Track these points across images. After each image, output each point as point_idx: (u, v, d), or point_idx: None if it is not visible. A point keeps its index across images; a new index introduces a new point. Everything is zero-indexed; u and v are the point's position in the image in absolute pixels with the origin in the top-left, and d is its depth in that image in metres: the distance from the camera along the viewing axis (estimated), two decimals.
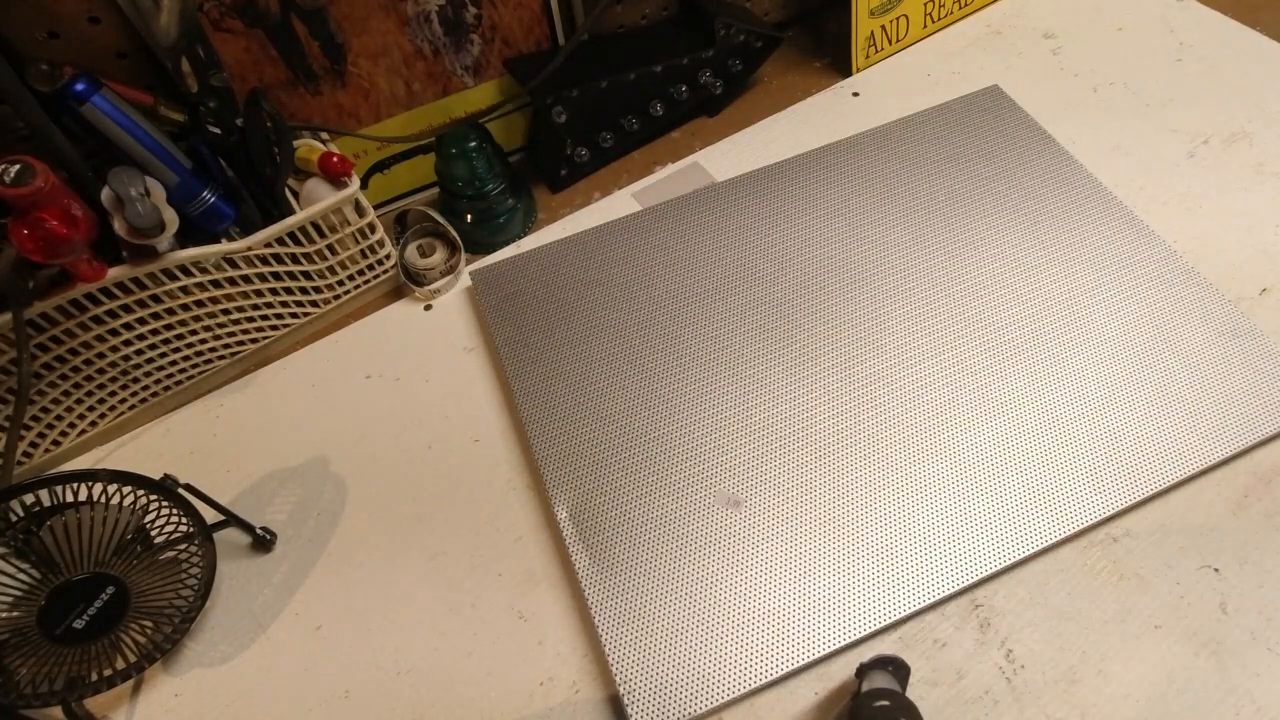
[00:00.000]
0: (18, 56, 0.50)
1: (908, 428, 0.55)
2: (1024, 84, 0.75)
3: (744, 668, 0.47)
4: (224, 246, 0.56)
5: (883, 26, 0.78)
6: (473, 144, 0.65)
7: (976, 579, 0.49)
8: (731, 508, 0.52)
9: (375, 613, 0.52)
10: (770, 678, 0.46)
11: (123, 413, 0.61)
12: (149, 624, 0.47)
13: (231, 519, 0.53)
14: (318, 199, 0.59)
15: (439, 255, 0.68)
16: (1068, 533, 0.50)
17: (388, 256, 0.66)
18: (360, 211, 0.62)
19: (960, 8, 0.83)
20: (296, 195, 0.61)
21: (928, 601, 0.48)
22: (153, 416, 0.63)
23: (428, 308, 0.67)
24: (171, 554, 0.48)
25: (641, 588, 0.50)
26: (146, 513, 0.46)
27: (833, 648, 0.47)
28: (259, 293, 0.60)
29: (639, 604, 0.49)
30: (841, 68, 0.80)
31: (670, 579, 0.50)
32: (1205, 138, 0.70)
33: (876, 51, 0.80)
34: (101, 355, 0.56)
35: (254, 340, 0.63)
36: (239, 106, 0.58)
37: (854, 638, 0.47)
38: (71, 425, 0.59)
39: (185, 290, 0.56)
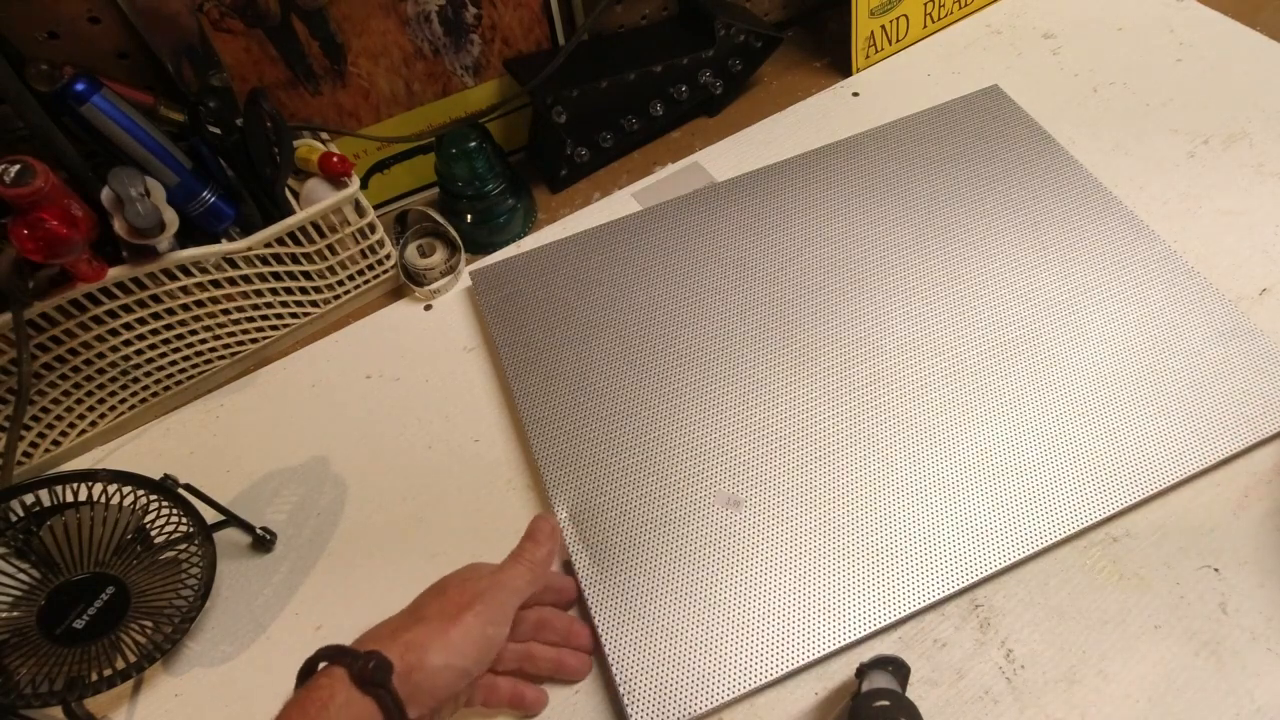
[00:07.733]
0: (18, 56, 0.50)
1: (908, 427, 0.55)
2: (1024, 84, 0.75)
3: (744, 668, 0.47)
4: (224, 246, 0.56)
5: (883, 26, 0.78)
6: (473, 144, 0.65)
7: (976, 579, 0.49)
8: (731, 508, 0.52)
9: (375, 613, 0.52)
10: (770, 678, 0.46)
11: (123, 413, 0.61)
12: (149, 624, 0.47)
13: (231, 519, 0.53)
14: (318, 199, 0.59)
15: (439, 255, 0.68)
16: (1068, 533, 0.50)
17: (388, 256, 0.66)
18: (360, 211, 0.62)
19: (960, 8, 0.83)
20: (296, 195, 0.61)
21: (928, 601, 0.48)
22: (153, 416, 0.63)
23: (428, 308, 0.67)
24: (171, 554, 0.48)
25: (641, 588, 0.50)
26: (146, 513, 0.46)
27: (833, 648, 0.47)
28: (259, 293, 0.60)
29: (639, 604, 0.49)
30: (841, 68, 0.80)
31: (670, 579, 0.50)
32: (1205, 138, 0.70)
33: (876, 51, 0.80)
34: (101, 355, 0.56)
35: (254, 340, 0.63)
36: (239, 106, 0.58)
37: (854, 638, 0.47)
38: (71, 425, 0.59)
39: (185, 290, 0.56)
